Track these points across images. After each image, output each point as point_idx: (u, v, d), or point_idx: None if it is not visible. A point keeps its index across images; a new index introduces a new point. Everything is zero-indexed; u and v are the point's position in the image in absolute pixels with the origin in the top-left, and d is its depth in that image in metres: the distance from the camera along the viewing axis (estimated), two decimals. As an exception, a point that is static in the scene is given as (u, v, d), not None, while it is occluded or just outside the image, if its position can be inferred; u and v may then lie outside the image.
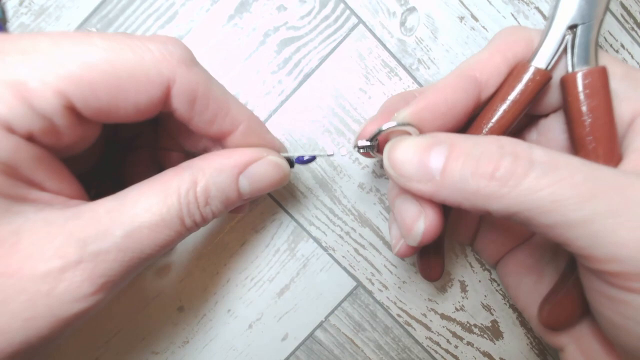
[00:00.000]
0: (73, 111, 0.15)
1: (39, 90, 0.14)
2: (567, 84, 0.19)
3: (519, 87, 0.19)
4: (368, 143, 0.20)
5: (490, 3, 0.26)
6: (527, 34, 0.20)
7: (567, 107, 0.19)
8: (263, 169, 0.19)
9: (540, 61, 0.19)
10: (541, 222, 0.15)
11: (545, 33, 0.19)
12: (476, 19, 0.26)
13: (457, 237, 0.27)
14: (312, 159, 0.21)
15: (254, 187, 0.19)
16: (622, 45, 0.27)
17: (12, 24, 0.25)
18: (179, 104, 0.16)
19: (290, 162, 0.21)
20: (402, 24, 0.26)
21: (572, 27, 0.19)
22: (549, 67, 0.19)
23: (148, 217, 0.15)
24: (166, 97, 0.16)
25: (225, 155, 0.18)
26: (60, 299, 0.14)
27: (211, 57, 0.26)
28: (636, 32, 0.27)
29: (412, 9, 0.26)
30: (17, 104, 0.13)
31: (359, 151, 0.20)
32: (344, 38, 0.26)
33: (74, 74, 0.14)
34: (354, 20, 0.26)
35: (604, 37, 0.27)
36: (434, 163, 0.17)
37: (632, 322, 0.15)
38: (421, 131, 0.19)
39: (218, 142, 0.19)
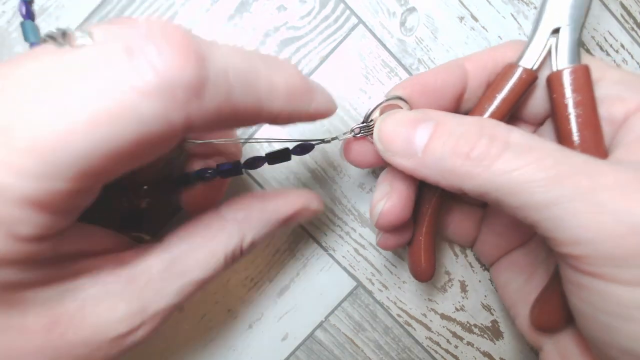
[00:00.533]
0: (80, 192, 0.12)
1: (47, 194, 0.11)
2: (552, 81, 0.20)
3: (507, 85, 0.20)
4: (363, 125, 0.20)
5: (490, 3, 0.26)
6: (520, 44, 0.21)
7: (553, 104, 0.20)
8: (302, 217, 0.19)
9: (527, 62, 0.20)
10: (510, 203, 0.16)
11: (531, 36, 0.20)
12: (476, 19, 0.26)
13: (459, 239, 0.27)
14: (311, 147, 0.20)
15: (289, 227, 0.20)
16: (622, 46, 0.27)
17: (12, 24, 0.25)
18: (198, 129, 0.13)
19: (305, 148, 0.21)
20: (402, 24, 0.26)
21: (556, 31, 0.20)
22: (535, 67, 0.20)
23: (197, 274, 0.17)
24: (185, 133, 0.13)
25: (272, 206, 0.18)
26: (123, 348, 0.16)
27: (211, 57, 0.26)
28: (636, 32, 0.27)
29: (412, 9, 0.26)
30: (28, 214, 0.11)
31: (355, 135, 0.21)
32: (344, 38, 0.26)
33: (71, 171, 0.11)
34: (354, 20, 0.26)
35: (604, 37, 0.27)
36: (418, 140, 0.17)
37: (597, 310, 0.16)
38: (412, 107, 0.20)
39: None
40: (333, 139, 0.21)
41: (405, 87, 0.20)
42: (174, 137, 0.12)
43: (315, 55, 0.26)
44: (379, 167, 0.27)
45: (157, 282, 0.16)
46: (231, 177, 0.20)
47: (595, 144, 0.19)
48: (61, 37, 0.12)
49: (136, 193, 0.20)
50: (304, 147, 0.20)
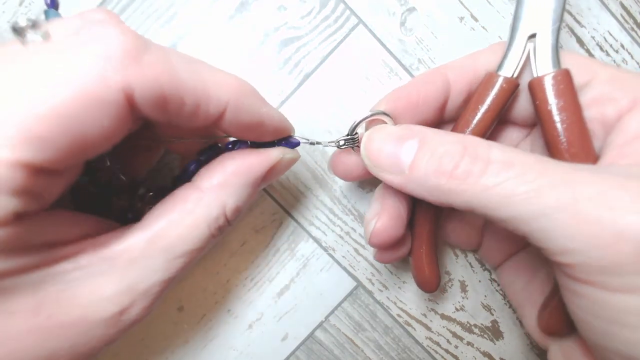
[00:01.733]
0: (41, 171, 0.13)
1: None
2: (533, 88, 0.19)
3: (489, 96, 0.20)
4: (348, 137, 0.21)
5: (490, 3, 0.26)
6: (500, 47, 0.21)
7: (537, 110, 0.20)
8: (281, 168, 0.20)
9: (507, 70, 0.20)
10: (496, 216, 0.16)
11: (508, 42, 0.20)
12: (476, 19, 0.26)
13: (463, 245, 0.27)
14: (297, 143, 0.21)
15: (270, 182, 0.20)
16: (622, 46, 0.27)
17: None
18: (149, 111, 0.14)
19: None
20: (402, 24, 0.26)
21: (533, 36, 0.20)
22: (515, 74, 0.20)
23: (182, 248, 0.17)
24: (132, 109, 0.14)
25: (246, 164, 0.18)
26: (122, 327, 0.16)
27: (211, 58, 0.26)
28: (636, 32, 0.27)
29: (412, 9, 0.26)
30: None
31: (339, 147, 0.21)
32: (344, 38, 0.26)
33: (19, 136, 0.12)
34: (354, 20, 0.26)
35: (604, 37, 0.27)
36: (405, 157, 0.18)
37: (592, 316, 0.16)
38: (396, 122, 0.20)
39: (211, 128, 0.18)
40: (317, 142, 0.22)
41: (389, 102, 0.21)
42: (117, 105, 0.13)
43: (315, 55, 0.26)
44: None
45: (140, 260, 0.16)
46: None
47: (583, 148, 0.19)
48: (31, 28, 0.13)
49: (141, 200, 0.21)
50: (289, 143, 0.20)
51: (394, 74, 0.26)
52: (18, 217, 0.13)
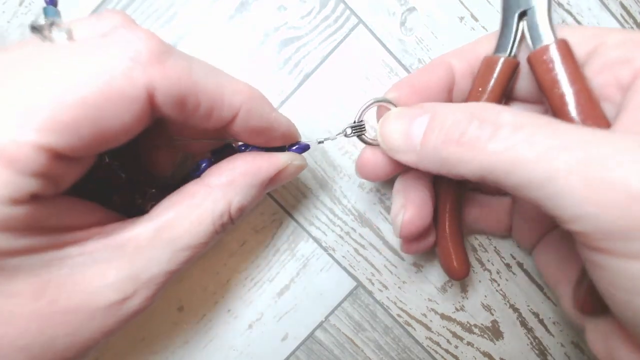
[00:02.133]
0: (61, 157, 0.13)
1: (21, 153, 0.12)
2: (532, 62, 0.20)
3: (492, 78, 0.20)
4: (355, 125, 0.21)
5: (490, 3, 0.26)
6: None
7: (540, 84, 0.19)
8: (288, 174, 0.20)
9: (505, 51, 0.20)
10: (507, 183, 0.15)
11: (501, 24, 0.20)
12: (476, 19, 0.26)
13: (493, 231, 0.26)
14: (307, 147, 0.22)
15: (276, 186, 0.20)
16: (622, 45, 0.27)
17: (12, 24, 0.25)
18: (168, 110, 0.15)
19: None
20: (402, 24, 0.26)
21: (524, 14, 0.20)
22: (513, 53, 0.20)
23: (187, 241, 0.17)
24: (152, 107, 0.15)
25: (255, 166, 0.19)
26: (122, 317, 0.16)
27: (211, 57, 0.26)
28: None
29: (412, 9, 0.26)
30: (4, 173, 0.12)
31: (347, 136, 0.21)
32: (344, 38, 0.26)
33: (46, 122, 0.13)
34: (354, 20, 0.26)
35: (604, 37, 0.27)
36: (416, 134, 0.18)
37: (615, 288, 0.15)
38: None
39: (222, 131, 0.18)
40: (325, 139, 0.22)
41: (395, 90, 0.21)
42: (139, 101, 0.14)
43: (315, 55, 0.26)
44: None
45: (146, 249, 0.16)
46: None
47: (592, 115, 0.18)
48: (48, 28, 0.15)
49: (143, 197, 0.21)
50: (300, 147, 0.21)
51: (394, 74, 0.26)
52: (33, 198, 0.13)
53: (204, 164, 0.21)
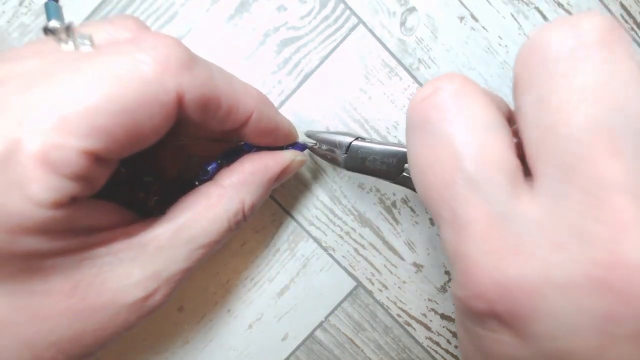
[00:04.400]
0: (99, 159, 0.14)
1: (64, 157, 0.13)
2: None
3: None
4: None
5: (490, 3, 0.26)
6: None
7: None
8: (292, 170, 0.22)
9: None
10: None
11: None
12: (476, 19, 0.26)
13: None
14: (305, 146, 0.23)
15: (281, 182, 0.22)
16: (622, 45, 0.27)
17: (12, 24, 0.25)
18: (192, 113, 0.16)
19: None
20: (402, 24, 0.26)
21: None
22: None
23: (203, 240, 0.18)
24: (179, 110, 0.16)
25: (262, 164, 0.20)
26: (143, 313, 0.18)
27: (211, 57, 0.26)
28: (636, 32, 0.27)
29: (412, 9, 0.26)
30: (47, 178, 0.13)
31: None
32: (344, 38, 0.26)
33: (87, 126, 0.13)
34: (354, 20, 0.26)
35: (604, 37, 0.27)
36: None
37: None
38: None
39: (230, 133, 0.19)
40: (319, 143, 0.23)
41: None
42: (170, 105, 0.15)
43: (315, 55, 0.26)
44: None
45: (166, 249, 0.17)
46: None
47: None
48: (64, 32, 0.15)
49: (146, 191, 0.21)
50: (298, 147, 0.23)
51: (394, 74, 0.26)
52: (72, 201, 0.14)
53: (211, 167, 0.21)
